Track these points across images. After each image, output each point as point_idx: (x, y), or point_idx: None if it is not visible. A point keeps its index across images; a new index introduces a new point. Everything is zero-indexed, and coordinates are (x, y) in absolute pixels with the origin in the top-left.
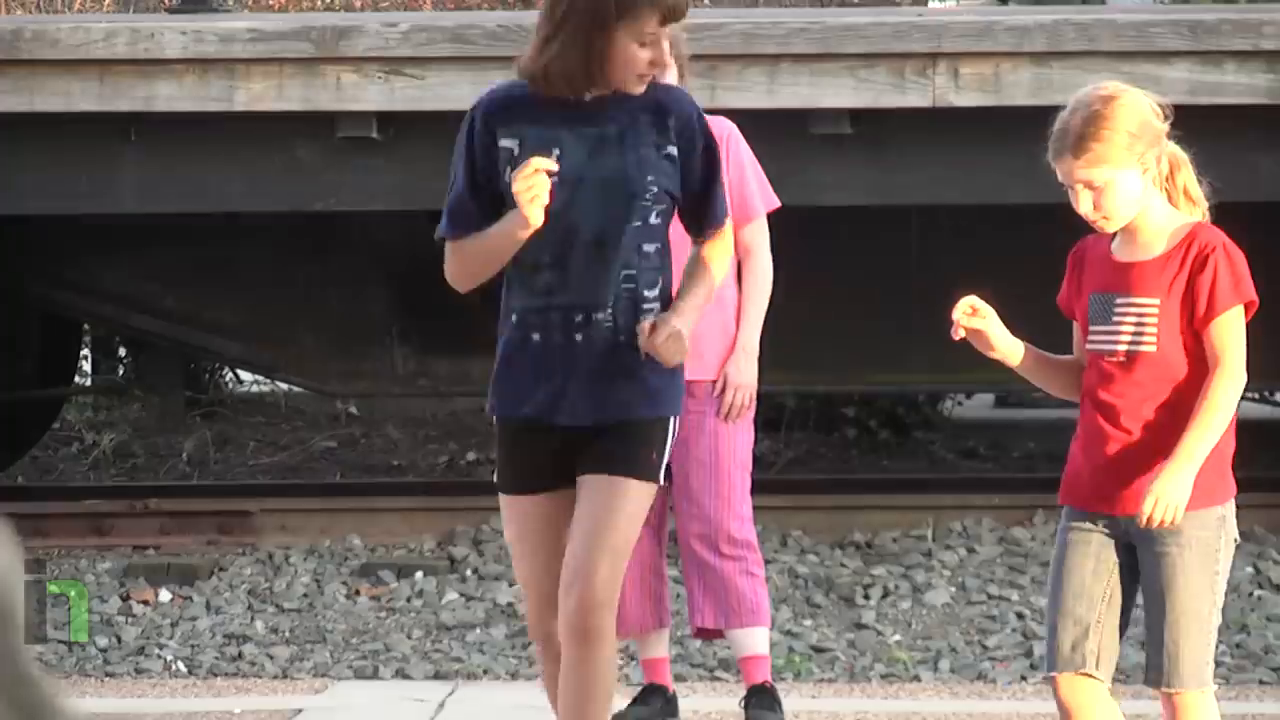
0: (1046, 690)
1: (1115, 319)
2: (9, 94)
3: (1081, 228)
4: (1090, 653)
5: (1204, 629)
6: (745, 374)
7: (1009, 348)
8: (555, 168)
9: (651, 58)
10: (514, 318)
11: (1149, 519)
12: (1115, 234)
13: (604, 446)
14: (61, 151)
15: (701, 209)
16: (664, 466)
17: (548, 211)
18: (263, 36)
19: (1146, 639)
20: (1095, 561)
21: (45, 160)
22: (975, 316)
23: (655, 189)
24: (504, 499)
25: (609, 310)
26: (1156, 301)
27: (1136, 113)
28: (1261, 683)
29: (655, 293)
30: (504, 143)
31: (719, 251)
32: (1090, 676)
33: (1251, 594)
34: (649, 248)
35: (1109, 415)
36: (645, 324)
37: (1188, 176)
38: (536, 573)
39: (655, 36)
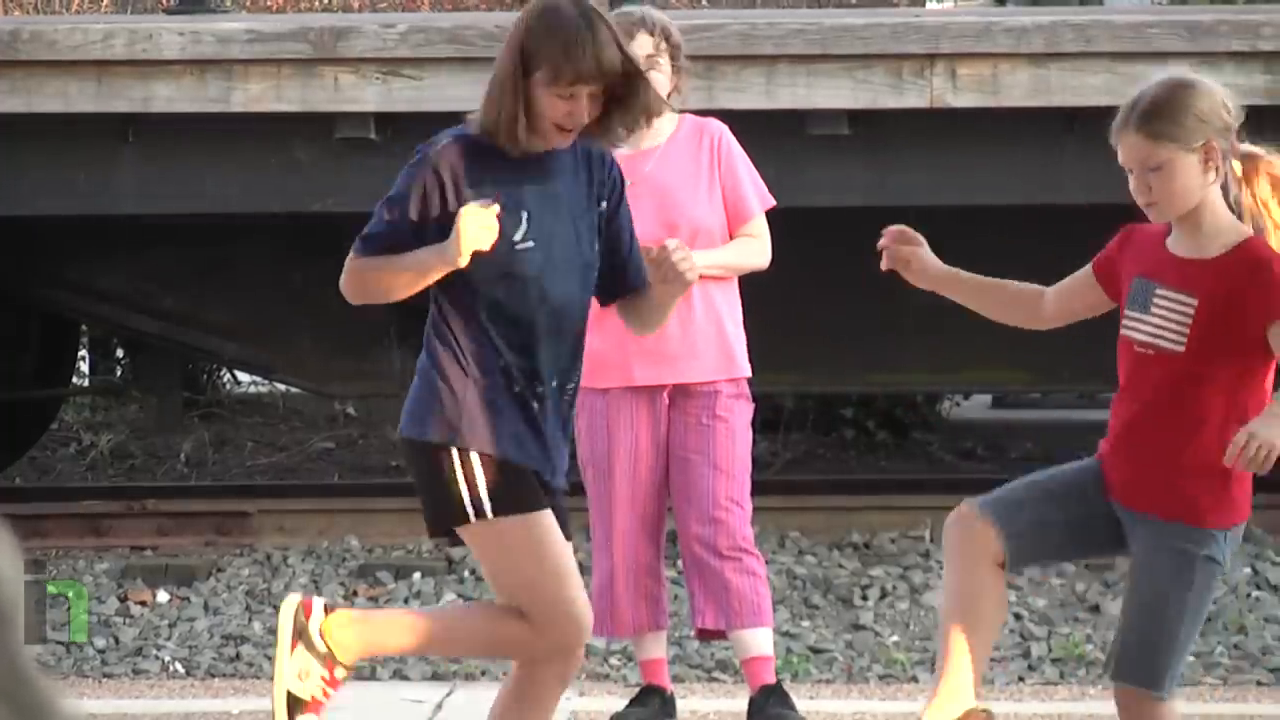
0: (1044, 691)
1: (1153, 309)
2: (7, 95)
3: (1085, 229)
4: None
5: (1171, 636)
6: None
7: (940, 274)
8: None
9: (569, 110)
10: (501, 361)
11: (1234, 456)
12: (1170, 224)
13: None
14: (59, 152)
15: (626, 269)
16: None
17: (526, 276)
18: (260, 38)
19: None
20: (1083, 501)
21: (43, 161)
22: (905, 244)
23: (598, 259)
24: (521, 520)
25: (572, 385)
26: (1195, 301)
27: (1208, 99)
28: (1259, 684)
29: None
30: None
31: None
32: (983, 522)
33: (1249, 595)
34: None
35: (1131, 403)
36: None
37: (1264, 189)
38: (572, 585)
39: (575, 93)
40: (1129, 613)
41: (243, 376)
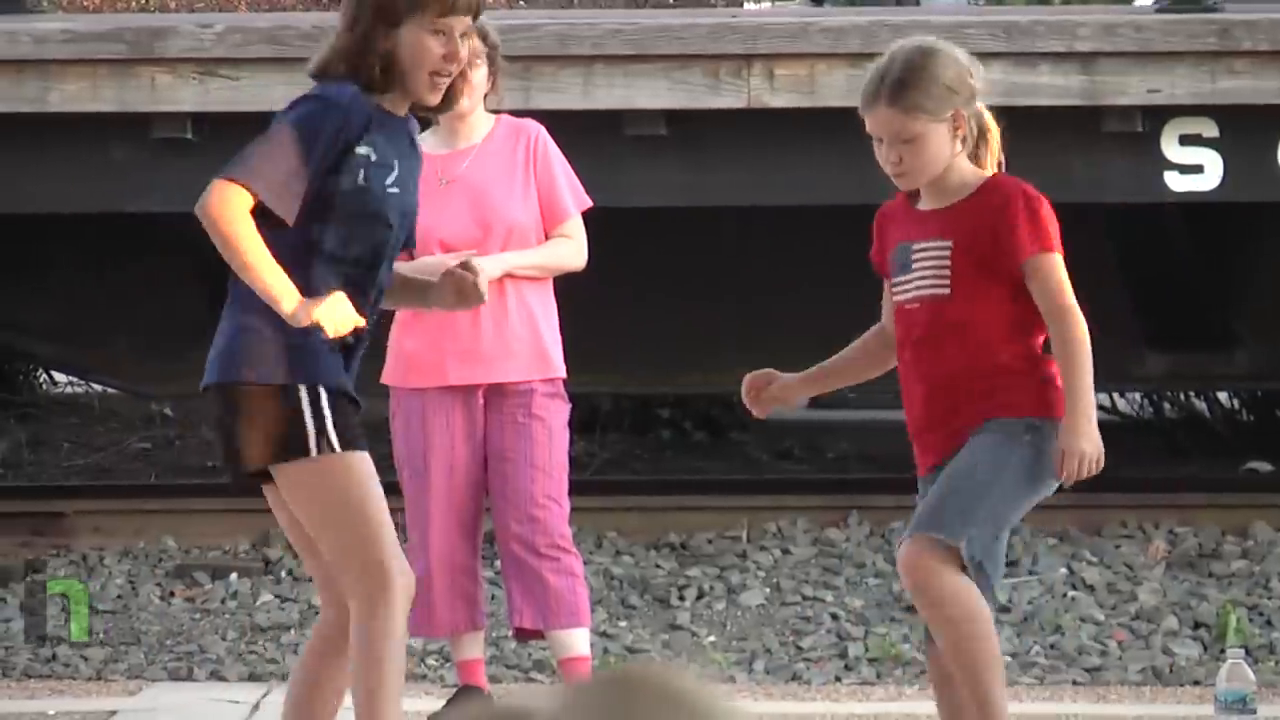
0: (861, 691)
1: (914, 266)
2: None
3: None
4: None
5: (977, 494)
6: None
7: (805, 383)
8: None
9: (446, 53)
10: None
11: (1072, 477)
12: (918, 190)
13: None
14: None
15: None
16: None
17: (385, 218)
18: (77, 37)
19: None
20: None
21: None
22: (766, 392)
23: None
24: (358, 456)
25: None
26: (949, 244)
27: (954, 66)
28: (1075, 683)
29: None
30: (361, 149)
31: None
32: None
33: (1065, 595)
34: None
35: (915, 365)
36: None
37: (996, 139)
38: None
39: (448, 28)
40: (939, 482)
41: (59, 377)
